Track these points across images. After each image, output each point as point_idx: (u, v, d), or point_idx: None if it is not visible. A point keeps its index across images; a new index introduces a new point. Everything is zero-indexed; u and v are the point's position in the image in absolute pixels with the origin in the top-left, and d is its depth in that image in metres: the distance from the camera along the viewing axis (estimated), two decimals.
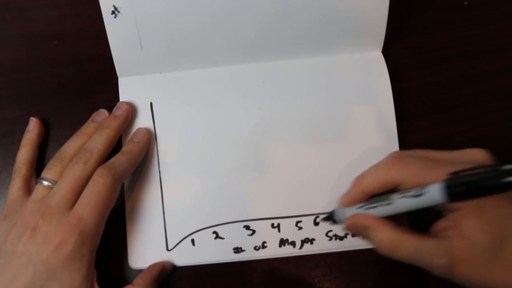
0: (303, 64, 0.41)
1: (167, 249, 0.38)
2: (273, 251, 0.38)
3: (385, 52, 0.41)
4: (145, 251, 0.38)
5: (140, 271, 0.37)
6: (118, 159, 0.36)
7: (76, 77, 0.42)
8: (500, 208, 0.29)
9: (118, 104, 0.39)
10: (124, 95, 0.40)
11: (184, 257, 0.38)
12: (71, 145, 0.37)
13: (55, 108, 0.41)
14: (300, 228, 0.38)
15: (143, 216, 0.38)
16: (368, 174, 0.32)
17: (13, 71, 0.42)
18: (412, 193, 0.28)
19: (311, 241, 0.38)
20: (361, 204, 0.32)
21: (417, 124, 0.41)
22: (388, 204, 0.29)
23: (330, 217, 0.36)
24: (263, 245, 0.38)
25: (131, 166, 0.37)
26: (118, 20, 0.37)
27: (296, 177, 0.39)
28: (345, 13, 0.39)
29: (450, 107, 0.41)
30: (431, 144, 0.40)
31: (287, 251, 0.38)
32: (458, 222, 0.29)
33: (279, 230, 0.38)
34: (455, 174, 0.27)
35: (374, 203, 0.30)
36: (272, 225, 0.38)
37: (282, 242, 0.38)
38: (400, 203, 0.28)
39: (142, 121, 0.40)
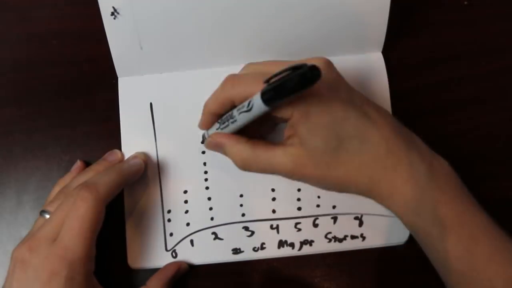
0: None
1: (166, 249, 0.38)
2: (272, 253, 0.38)
3: (385, 52, 0.41)
4: (145, 251, 0.38)
5: (139, 270, 0.38)
6: (102, 178, 0.34)
7: (76, 77, 0.42)
8: (331, 112, 0.30)
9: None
10: (124, 95, 0.40)
11: (183, 257, 0.38)
12: (78, 180, 0.36)
13: (55, 108, 0.41)
14: (299, 229, 0.38)
15: (142, 216, 0.38)
16: (210, 97, 0.34)
17: (13, 71, 0.42)
18: (245, 108, 0.29)
19: (310, 242, 0.38)
20: (217, 126, 0.34)
21: (417, 124, 0.41)
22: (234, 122, 0.31)
23: (202, 141, 0.37)
24: (262, 246, 0.38)
25: (116, 187, 0.35)
26: (117, 22, 0.37)
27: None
28: (346, 14, 0.39)
29: (450, 108, 0.41)
30: (430, 144, 0.40)
31: (286, 253, 0.38)
32: (295, 129, 0.30)
33: (278, 232, 0.38)
34: (267, 81, 0.28)
35: (224, 122, 0.32)
36: (271, 226, 0.38)
37: (281, 244, 0.38)
38: (241, 118, 0.30)
39: (142, 122, 0.40)
